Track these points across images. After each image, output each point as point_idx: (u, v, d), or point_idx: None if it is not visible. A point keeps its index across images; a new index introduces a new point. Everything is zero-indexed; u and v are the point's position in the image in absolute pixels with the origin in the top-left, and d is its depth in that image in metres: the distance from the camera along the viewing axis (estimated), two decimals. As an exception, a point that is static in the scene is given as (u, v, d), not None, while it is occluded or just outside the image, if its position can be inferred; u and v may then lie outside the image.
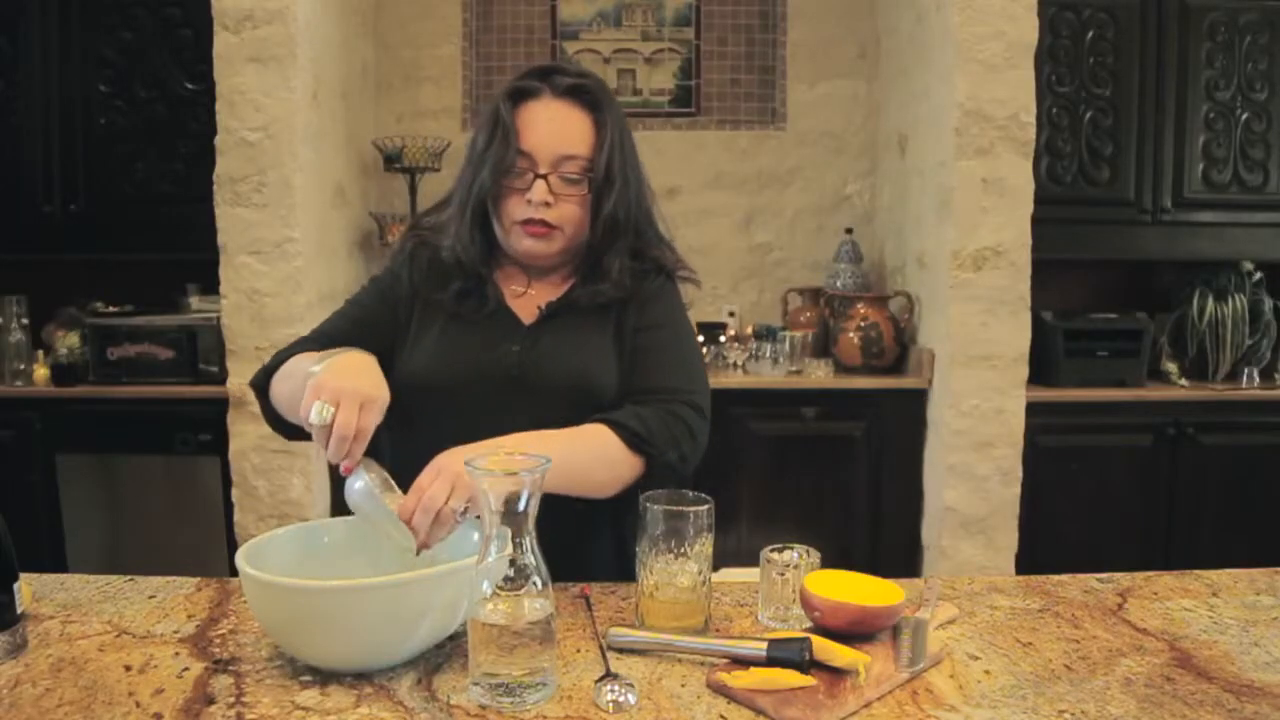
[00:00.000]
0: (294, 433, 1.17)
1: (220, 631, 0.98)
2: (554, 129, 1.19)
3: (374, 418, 0.98)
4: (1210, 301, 2.96)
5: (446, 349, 1.22)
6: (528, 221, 1.19)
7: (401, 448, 1.20)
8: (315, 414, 0.95)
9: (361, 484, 0.97)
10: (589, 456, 1.10)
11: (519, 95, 1.21)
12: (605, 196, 1.20)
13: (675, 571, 0.97)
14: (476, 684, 0.82)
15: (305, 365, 1.09)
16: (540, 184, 1.18)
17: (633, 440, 1.11)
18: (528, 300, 1.27)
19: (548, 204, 1.18)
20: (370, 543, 1.04)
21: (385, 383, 1.05)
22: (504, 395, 1.18)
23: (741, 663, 0.88)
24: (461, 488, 0.93)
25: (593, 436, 1.11)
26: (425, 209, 1.36)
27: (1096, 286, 3.27)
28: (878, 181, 3.32)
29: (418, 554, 0.94)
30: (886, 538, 2.84)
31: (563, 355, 1.21)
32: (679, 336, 1.28)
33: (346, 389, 0.97)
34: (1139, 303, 3.13)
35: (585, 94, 1.21)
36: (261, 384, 1.21)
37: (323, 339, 1.23)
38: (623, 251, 1.24)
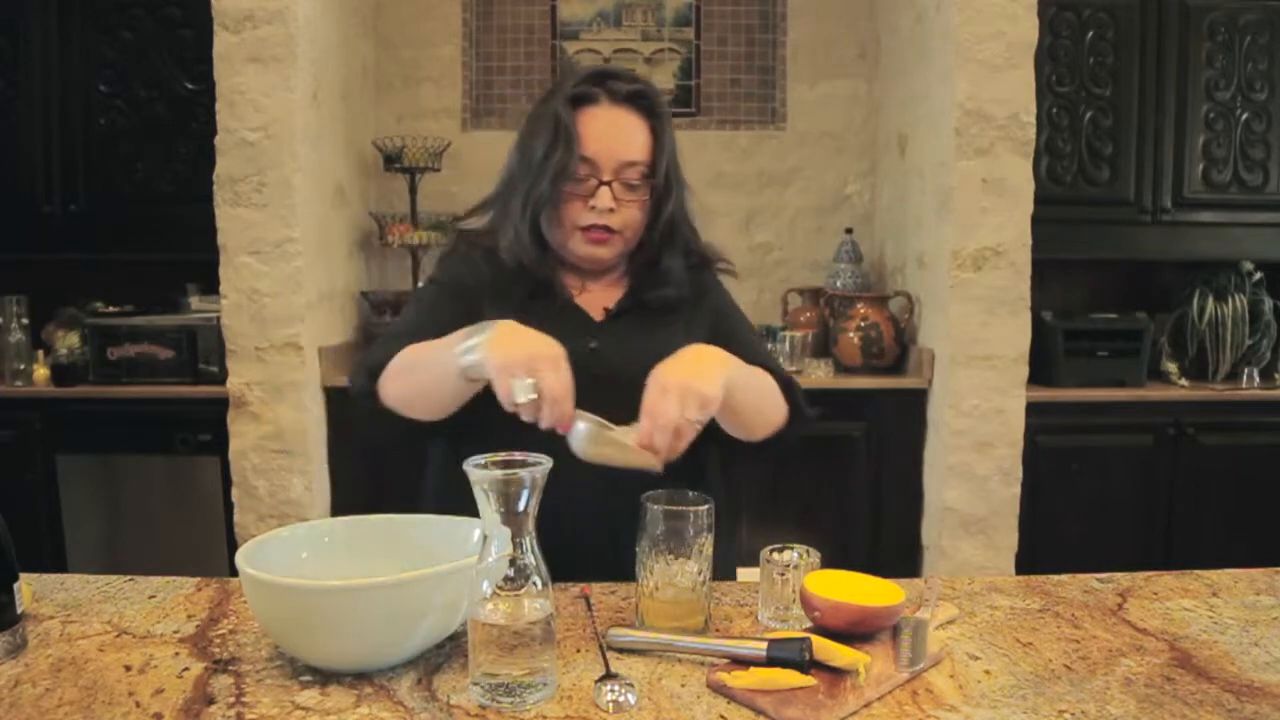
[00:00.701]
0: (410, 432, 1.16)
1: (220, 631, 0.98)
2: (615, 135, 1.21)
3: (568, 371, 0.99)
4: (1210, 301, 2.96)
5: None
6: (590, 227, 1.22)
7: (476, 445, 1.20)
8: (522, 392, 0.95)
9: (584, 426, 0.98)
10: (767, 388, 1.19)
11: (578, 101, 1.22)
12: (665, 201, 1.24)
13: (675, 571, 0.97)
14: (476, 684, 0.82)
15: (437, 355, 1.07)
16: (605, 190, 1.20)
17: (786, 389, 1.20)
18: (587, 299, 1.29)
19: (612, 210, 1.20)
20: (370, 543, 1.04)
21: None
22: (580, 390, 1.16)
23: (741, 663, 0.87)
24: (692, 397, 0.98)
25: (762, 373, 1.19)
26: (466, 214, 1.35)
27: (1096, 286, 3.27)
28: (878, 181, 3.32)
29: (662, 472, 0.99)
30: (886, 538, 2.84)
31: (641, 349, 1.21)
32: (749, 322, 1.40)
33: (537, 355, 0.98)
34: (1139, 303, 3.13)
35: (644, 100, 1.23)
36: (368, 388, 1.18)
37: (412, 335, 1.20)
38: (679, 252, 1.29)
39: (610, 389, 1.16)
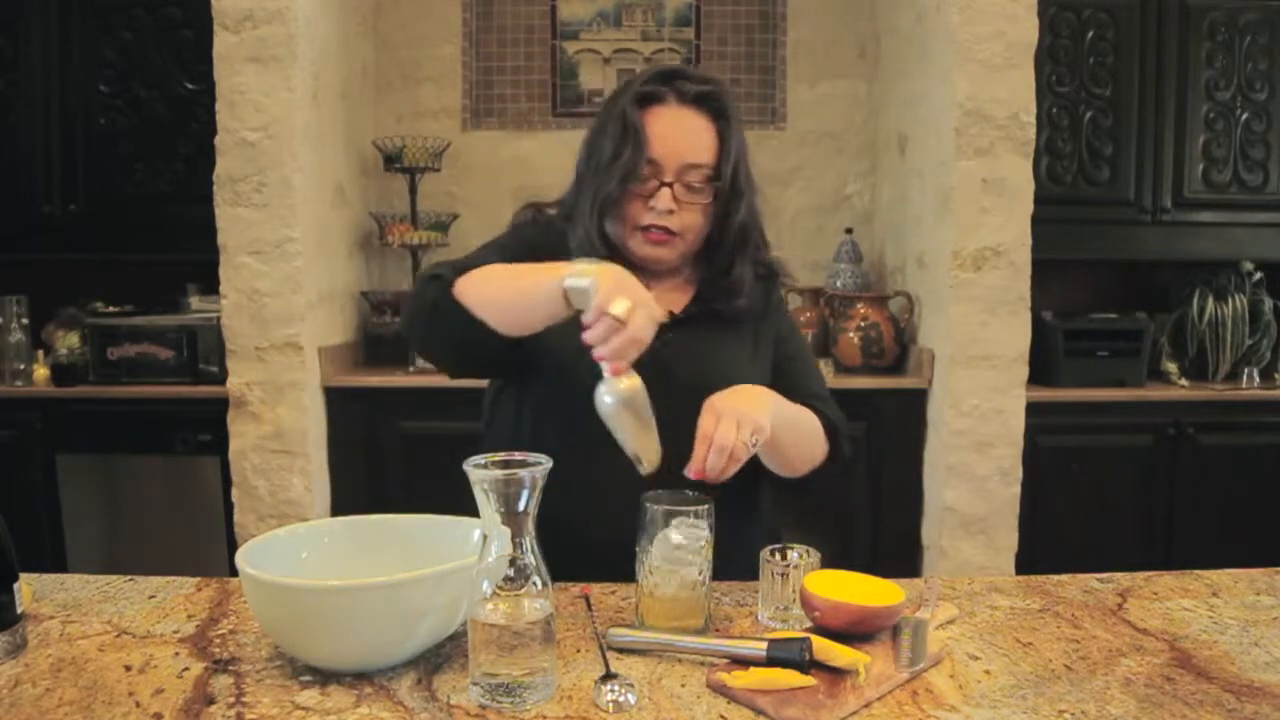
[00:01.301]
0: (461, 340, 1.11)
1: (220, 631, 0.98)
2: (681, 136, 1.20)
3: (651, 333, 0.98)
4: (1210, 301, 2.96)
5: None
6: (649, 228, 1.20)
7: (535, 428, 1.22)
8: (620, 306, 0.94)
9: (617, 395, 0.97)
10: (810, 427, 1.20)
11: (645, 100, 1.21)
12: (734, 206, 1.22)
13: (675, 571, 0.97)
14: (476, 684, 0.82)
15: (536, 272, 1.05)
16: (665, 192, 1.19)
17: (830, 428, 1.21)
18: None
19: (671, 211, 1.19)
20: (370, 543, 1.04)
21: None
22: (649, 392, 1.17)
23: (741, 663, 0.88)
24: (746, 423, 1.00)
25: (808, 412, 1.20)
26: (536, 201, 1.34)
27: (1096, 286, 3.27)
28: (878, 181, 3.32)
29: (652, 474, 1.01)
30: (886, 538, 2.84)
31: (707, 357, 1.23)
32: (806, 343, 1.40)
33: (645, 299, 0.97)
34: (1139, 303, 3.13)
35: (712, 101, 1.22)
36: (450, 277, 1.13)
37: (489, 260, 1.18)
38: (750, 260, 1.27)
39: (668, 388, 1.14)
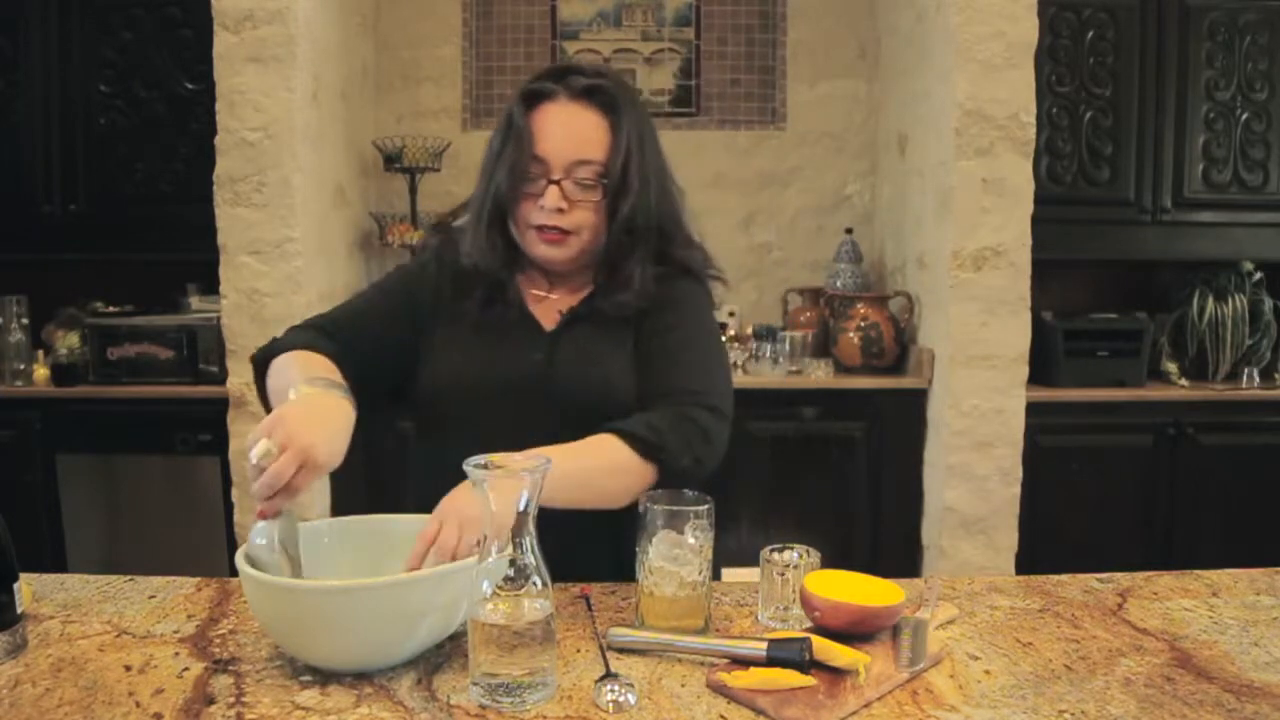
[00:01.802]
0: None
1: (220, 631, 0.98)
2: (568, 133, 1.17)
3: (309, 480, 0.93)
4: (1210, 301, 2.96)
5: (471, 358, 1.21)
6: (542, 228, 1.18)
7: (429, 455, 1.21)
8: (257, 452, 0.91)
9: (263, 540, 0.92)
10: (597, 468, 1.07)
11: (534, 97, 1.19)
12: (621, 201, 1.18)
13: (675, 571, 0.97)
14: (476, 684, 0.82)
15: (294, 376, 1.06)
16: (553, 190, 1.16)
17: (643, 448, 1.08)
18: (550, 304, 1.26)
19: (561, 210, 1.16)
20: (370, 543, 1.04)
21: (343, 444, 0.99)
22: (527, 404, 1.16)
23: (741, 663, 0.87)
24: (470, 527, 0.92)
25: (600, 447, 1.08)
26: (450, 210, 1.35)
27: (1096, 286, 3.27)
28: (878, 181, 3.32)
29: None
30: (886, 538, 2.84)
31: (584, 365, 1.20)
32: (695, 336, 1.24)
33: (298, 439, 0.92)
34: (1139, 303, 3.13)
35: (601, 95, 1.18)
36: (261, 362, 1.20)
37: (336, 325, 1.22)
38: (644, 257, 1.22)
39: (551, 402, 1.15)
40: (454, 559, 0.91)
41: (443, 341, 1.23)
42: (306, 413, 0.97)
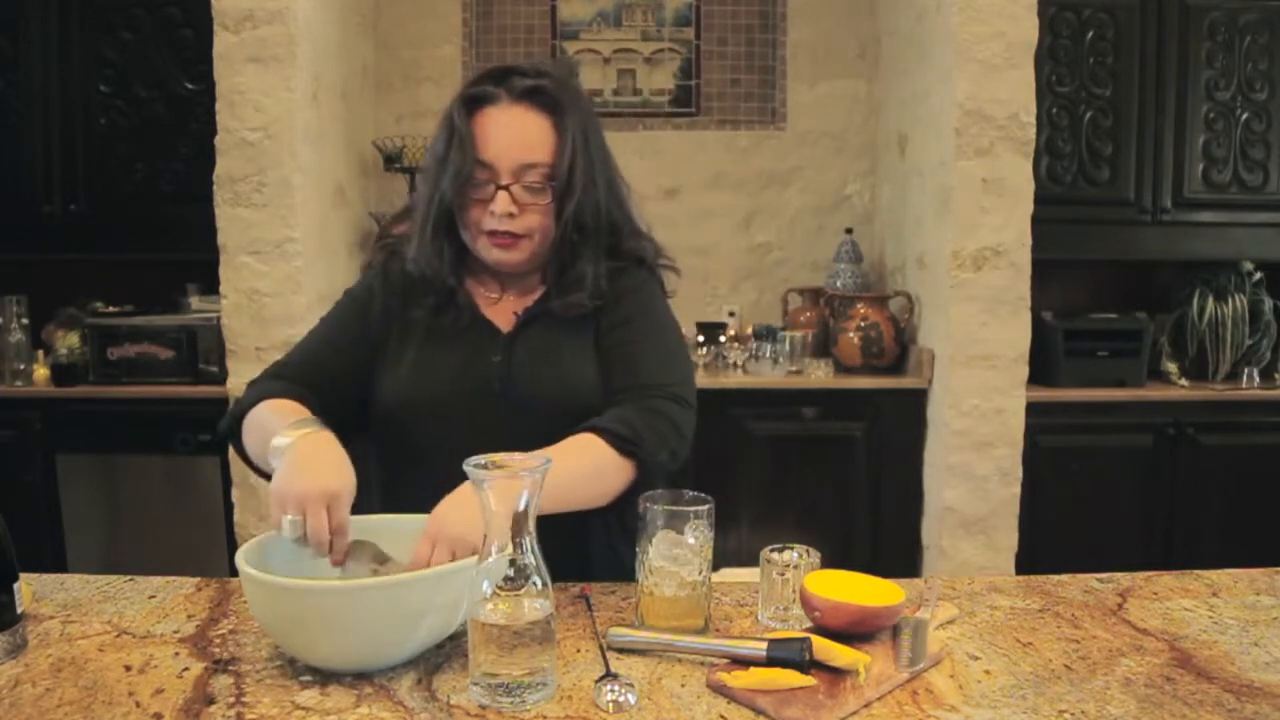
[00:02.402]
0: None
1: (220, 631, 0.98)
2: (512, 137, 1.15)
3: (344, 509, 0.95)
4: (1210, 301, 2.96)
5: (427, 366, 1.20)
6: (494, 233, 1.17)
7: (390, 466, 1.21)
8: (288, 530, 0.93)
9: (352, 566, 0.96)
10: (578, 470, 1.06)
11: (475, 101, 1.18)
12: (568, 202, 1.17)
13: (675, 571, 0.97)
14: (476, 684, 0.82)
15: (273, 427, 1.05)
16: (503, 196, 1.15)
17: (621, 445, 1.08)
18: (503, 306, 1.25)
19: (512, 215, 1.15)
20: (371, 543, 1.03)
21: (348, 464, 1.00)
22: (488, 408, 1.16)
23: (741, 663, 0.87)
24: (462, 549, 0.92)
25: (579, 448, 1.08)
26: (388, 222, 1.33)
27: (1096, 286, 3.27)
28: (878, 181, 3.32)
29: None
30: (886, 538, 2.84)
31: (542, 366, 1.19)
32: (654, 328, 1.24)
33: (309, 493, 0.93)
34: (1139, 303, 3.13)
35: (543, 95, 1.17)
36: (233, 429, 1.17)
37: (294, 369, 1.21)
38: (596, 255, 1.22)
39: (511, 405, 1.15)
40: None
41: (396, 353, 1.22)
42: (299, 465, 0.97)
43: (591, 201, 1.19)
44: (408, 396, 1.19)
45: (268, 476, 1.09)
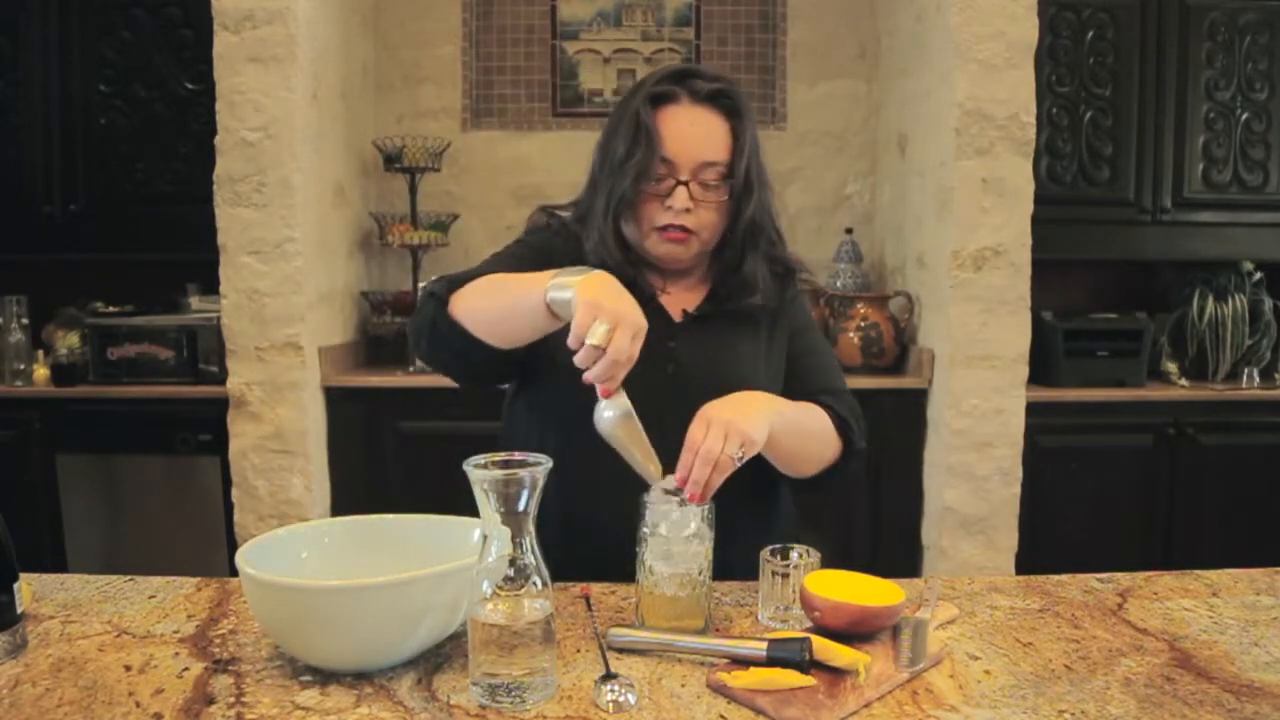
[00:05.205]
0: (461, 354, 1.14)
1: (220, 631, 0.98)
2: (695, 135, 1.20)
3: (640, 346, 0.97)
4: (1210, 301, 2.96)
5: None
6: (667, 228, 1.21)
7: (543, 430, 1.23)
8: (598, 334, 0.93)
9: (614, 413, 0.98)
10: (816, 428, 1.19)
11: (658, 100, 1.21)
12: (745, 203, 1.22)
13: (675, 572, 0.97)
14: (476, 684, 0.82)
15: (524, 284, 1.06)
16: (682, 191, 1.19)
17: (841, 424, 1.21)
18: (667, 301, 1.28)
19: (688, 210, 1.20)
20: (370, 543, 1.04)
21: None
22: (659, 389, 1.17)
23: (741, 663, 0.88)
24: (734, 434, 0.99)
25: (815, 412, 1.20)
26: (549, 205, 1.33)
27: (1096, 286, 3.27)
28: (878, 181, 3.32)
29: (674, 493, 0.99)
30: (886, 538, 2.84)
31: (719, 355, 1.24)
32: (823, 337, 1.37)
33: (625, 313, 0.95)
34: (1139, 303, 3.13)
35: (724, 99, 1.22)
36: (444, 294, 1.16)
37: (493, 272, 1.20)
38: (762, 256, 1.27)
39: (685, 390, 1.16)
40: (718, 466, 0.97)
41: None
42: (607, 285, 0.99)
43: (763, 204, 1.25)
44: (567, 359, 1.16)
45: (463, 351, 1.12)
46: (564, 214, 1.33)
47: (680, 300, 1.28)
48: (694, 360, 1.23)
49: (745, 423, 1.02)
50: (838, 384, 1.30)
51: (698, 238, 1.23)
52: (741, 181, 1.21)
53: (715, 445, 0.98)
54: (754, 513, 1.23)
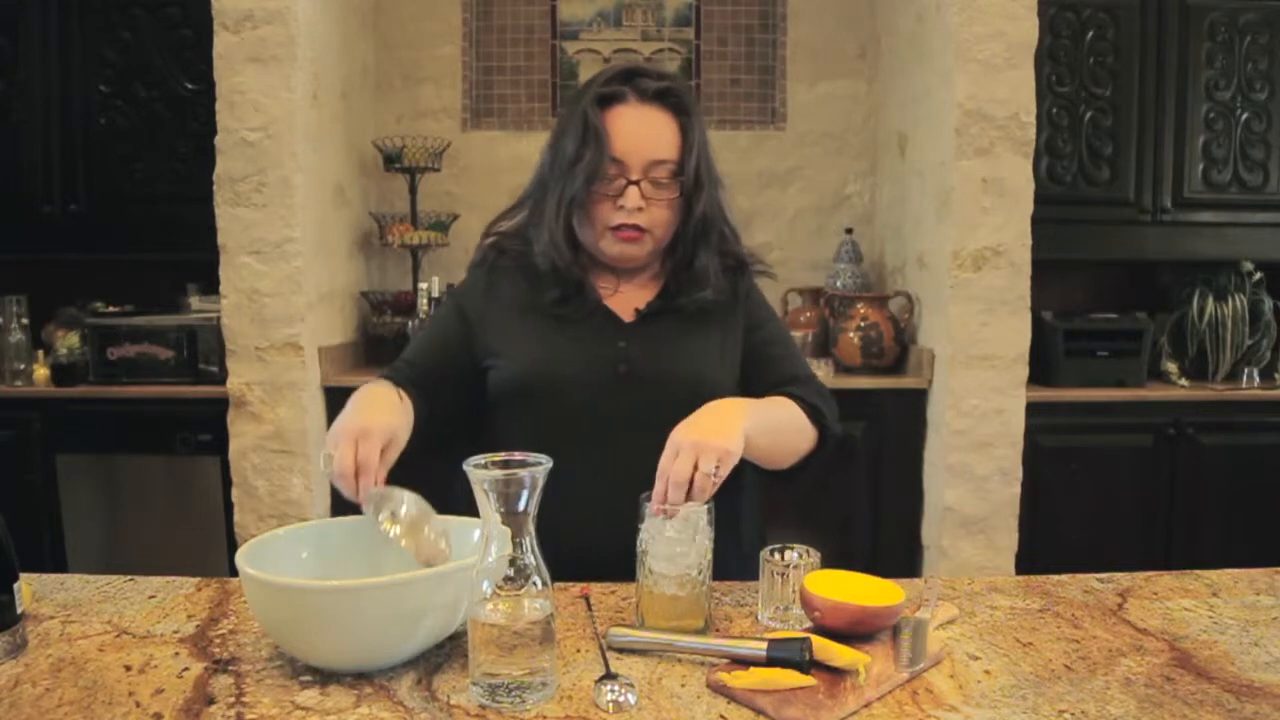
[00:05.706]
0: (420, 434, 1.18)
1: (220, 631, 0.98)
2: (644, 134, 1.21)
3: (370, 446, 0.99)
4: (1210, 301, 2.96)
5: (552, 346, 1.24)
6: (620, 227, 1.22)
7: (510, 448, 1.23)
8: (323, 464, 0.99)
9: (393, 531, 0.98)
10: (790, 422, 1.19)
11: (606, 100, 1.22)
12: (696, 199, 1.23)
13: (675, 572, 0.97)
14: (476, 684, 0.82)
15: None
16: (633, 190, 1.20)
17: (813, 414, 1.21)
18: (620, 299, 1.29)
19: (640, 209, 1.20)
20: (370, 543, 1.04)
21: (395, 410, 1.07)
22: (612, 391, 1.20)
23: (741, 663, 0.87)
24: (707, 453, 0.98)
25: (787, 405, 1.20)
26: (498, 215, 1.36)
27: (1096, 286, 3.27)
28: (878, 181, 3.32)
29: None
30: (886, 538, 2.84)
31: (670, 352, 1.25)
32: (784, 329, 1.37)
33: (342, 430, 1.00)
34: (1139, 303, 3.13)
35: (671, 97, 1.23)
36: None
37: (407, 367, 1.27)
38: (714, 251, 1.28)
39: (637, 389, 1.19)
40: (694, 487, 0.97)
41: (520, 335, 1.26)
42: (351, 406, 1.06)
43: (712, 200, 1.26)
44: (532, 376, 1.22)
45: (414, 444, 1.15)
46: (509, 221, 1.34)
47: (633, 298, 1.29)
48: (646, 358, 1.23)
49: (717, 438, 1.01)
50: (803, 371, 1.30)
51: (651, 236, 1.24)
52: (692, 178, 1.22)
53: (685, 469, 0.97)
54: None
